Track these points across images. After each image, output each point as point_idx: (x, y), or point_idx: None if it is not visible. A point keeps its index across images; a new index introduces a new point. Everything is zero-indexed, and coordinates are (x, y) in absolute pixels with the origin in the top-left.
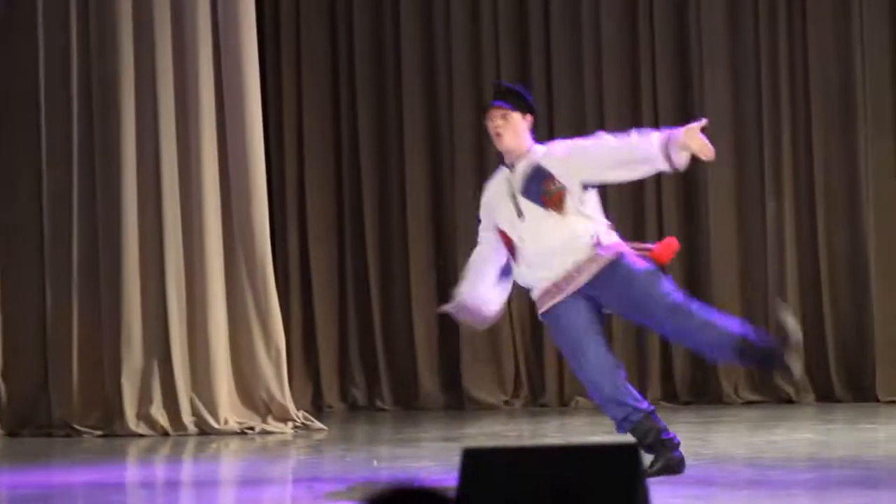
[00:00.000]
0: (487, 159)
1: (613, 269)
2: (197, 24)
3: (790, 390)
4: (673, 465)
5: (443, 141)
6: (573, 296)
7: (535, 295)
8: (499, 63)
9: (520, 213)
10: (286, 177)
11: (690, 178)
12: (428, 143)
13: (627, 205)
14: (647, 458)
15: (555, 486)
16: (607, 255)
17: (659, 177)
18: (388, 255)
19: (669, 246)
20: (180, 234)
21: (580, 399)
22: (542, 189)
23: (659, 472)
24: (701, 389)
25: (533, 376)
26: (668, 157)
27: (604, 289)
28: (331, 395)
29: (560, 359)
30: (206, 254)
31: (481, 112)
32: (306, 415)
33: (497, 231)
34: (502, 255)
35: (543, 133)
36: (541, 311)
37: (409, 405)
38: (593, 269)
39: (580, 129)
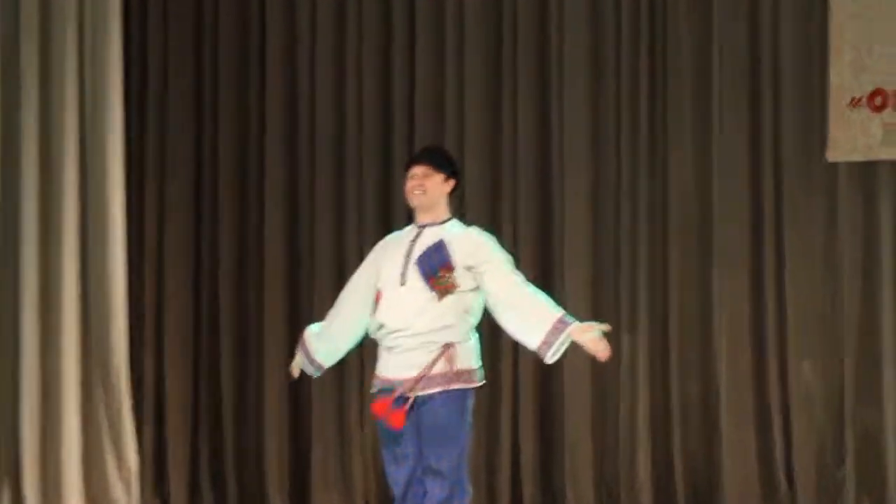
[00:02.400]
0: (346, 270)
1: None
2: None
3: None
4: None
5: (303, 267)
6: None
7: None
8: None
9: (403, 280)
10: (144, 299)
11: None
12: (287, 264)
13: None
14: None
15: None
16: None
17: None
18: (242, 377)
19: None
20: (37, 353)
21: None
22: (437, 271)
23: None
24: None
25: (383, 500)
26: (548, 343)
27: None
28: None
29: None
30: (63, 374)
31: (403, 168)
32: None
33: (374, 287)
34: (363, 310)
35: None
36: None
37: None
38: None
39: None
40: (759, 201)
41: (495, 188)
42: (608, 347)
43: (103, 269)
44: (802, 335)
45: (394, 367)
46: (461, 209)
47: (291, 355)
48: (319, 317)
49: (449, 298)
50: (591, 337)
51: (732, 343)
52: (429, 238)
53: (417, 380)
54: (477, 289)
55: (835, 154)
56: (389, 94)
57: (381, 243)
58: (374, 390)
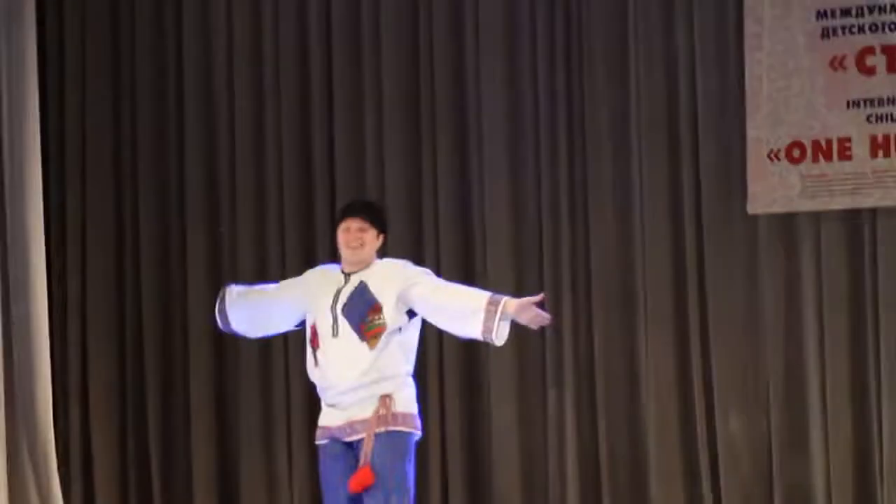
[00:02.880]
0: (270, 358)
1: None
2: None
3: None
4: None
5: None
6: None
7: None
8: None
9: (335, 332)
10: (68, 355)
11: (473, 357)
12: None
13: None
14: None
15: None
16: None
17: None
18: (169, 428)
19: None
20: None
21: None
22: (365, 317)
23: None
24: None
25: None
26: (488, 328)
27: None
28: None
29: None
30: None
31: (338, 218)
32: None
33: (300, 311)
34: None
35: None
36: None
37: None
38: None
39: None
40: (681, 257)
41: (416, 243)
42: (545, 314)
43: (27, 327)
44: (728, 389)
45: (335, 418)
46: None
47: (217, 406)
48: (246, 371)
49: (381, 342)
50: (523, 303)
51: (659, 400)
52: (352, 286)
53: (358, 430)
54: (407, 324)
55: (755, 206)
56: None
57: (311, 275)
58: (319, 441)
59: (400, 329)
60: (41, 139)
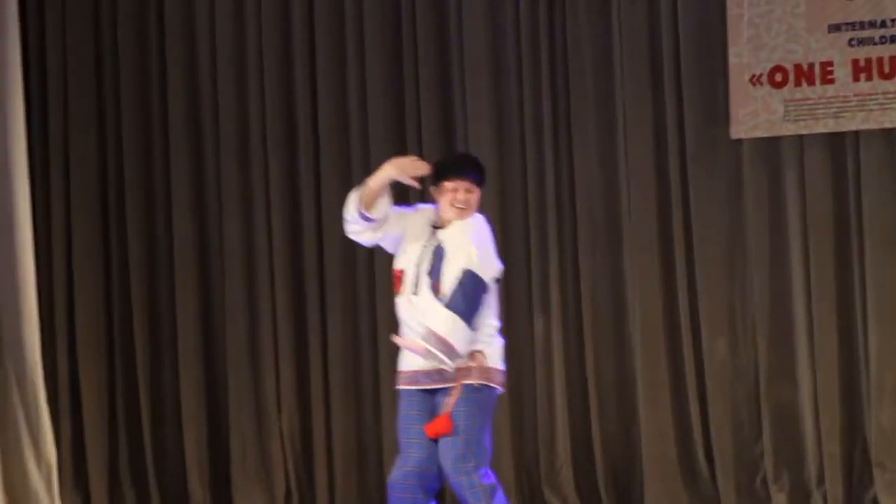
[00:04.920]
0: (256, 267)
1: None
2: None
3: None
4: None
5: (212, 250)
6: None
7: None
8: (267, 169)
9: (416, 289)
10: (55, 295)
11: None
12: (197, 253)
13: None
14: None
15: None
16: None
17: None
18: (157, 367)
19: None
20: None
21: None
22: (438, 273)
23: None
24: None
25: (303, 490)
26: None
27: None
28: None
29: (330, 470)
30: None
31: (446, 173)
32: None
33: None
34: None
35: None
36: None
37: None
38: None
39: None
40: (665, 182)
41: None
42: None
43: (11, 266)
44: (715, 314)
45: (416, 363)
46: None
47: (206, 347)
48: (231, 308)
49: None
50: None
51: (646, 325)
52: (435, 243)
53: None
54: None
55: (738, 131)
56: (291, 82)
57: (413, 220)
58: (399, 386)
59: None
60: None
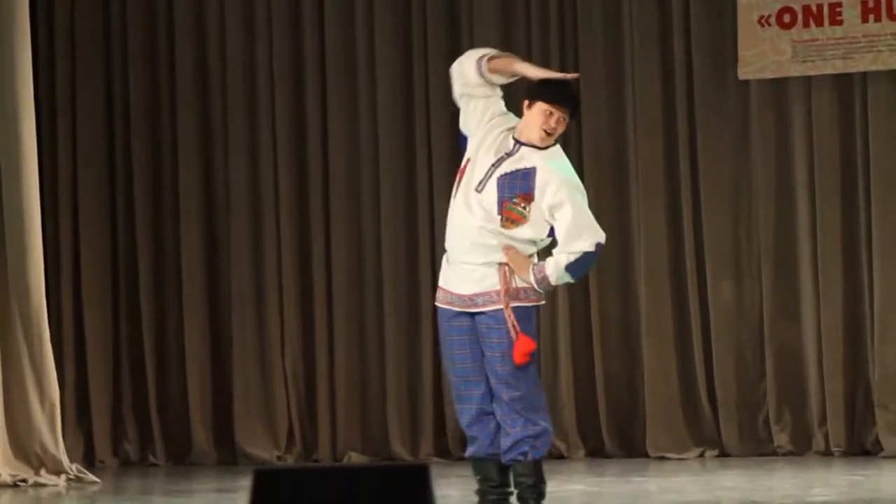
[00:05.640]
0: (261, 213)
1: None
2: None
3: (561, 446)
4: None
5: (217, 194)
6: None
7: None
8: (274, 116)
9: (480, 188)
10: (61, 238)
11: None
12: (203, 196)
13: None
14: None
15: None
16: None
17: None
18: (162, 314)
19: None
20: None
21: (352, 454)
22: (514, 197)
23: None
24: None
25: (306, 432)
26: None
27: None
28: (103, 451)
29: (333, 413)
30: None
31: (547, 94)
32: (80, 468)
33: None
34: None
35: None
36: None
37: (181, 460)
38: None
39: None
40: (672, 124)
41: (409, 136)
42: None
43: (18, 207)
44: (720, 255)
45: (456, 284)
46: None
47: (210, 289)
48: (236, 251)
49: (514, 230)
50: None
51: (651, 266)
52: (523, 159)
53: (478, 304)
54: (545, 238)
55: (745, 72)
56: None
57: (497, 121)
58: (439, 304)
59: (534, 242)
60: None
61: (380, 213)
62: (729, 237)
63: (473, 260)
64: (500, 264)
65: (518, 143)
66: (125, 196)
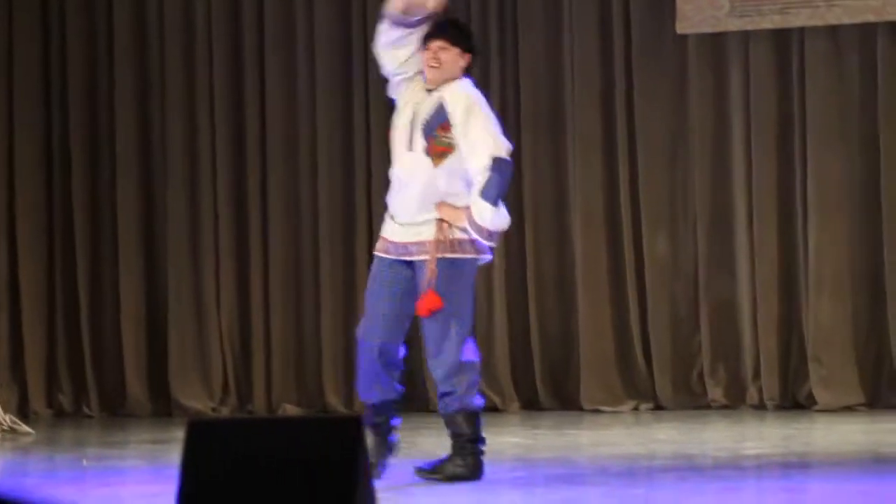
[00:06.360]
0: (198, 169)
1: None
2: None
3: (495, 398)
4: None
5: (154, 148)
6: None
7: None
8: (212, 72)
9: (410, 146)
10: None
11: None
12: (140, 150)
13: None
14: None
15: (277, 455)
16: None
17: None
18: (97, 263)
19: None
20: None
21: (287, 406)
22: (434, 132)
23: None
24: (407, 396)
25: (241, 383)
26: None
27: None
28: (37, 402)
29: (268, 366)
30: None
31: (423, 40)
32: (14, 419)
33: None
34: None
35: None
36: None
37: (116, 412)
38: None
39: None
40: (610, 77)
41: (347, 95)
42: None
43: None
44: (655, 209)
45: (395, 233)
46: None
47: (146, 244)
48: (172, 207)
49: (446, 164)
50: None
51: (586, 219)
52: (432, 102)
53: (413, 252)
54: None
55: (683, 26)
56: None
57: (407, 85)
58: (377, 253)
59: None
60: None
61: (317, 171)
62: (665, 189)
63: (418, 219)
64: (437, 220)
65: (427, 91)
66: (61, 148)
